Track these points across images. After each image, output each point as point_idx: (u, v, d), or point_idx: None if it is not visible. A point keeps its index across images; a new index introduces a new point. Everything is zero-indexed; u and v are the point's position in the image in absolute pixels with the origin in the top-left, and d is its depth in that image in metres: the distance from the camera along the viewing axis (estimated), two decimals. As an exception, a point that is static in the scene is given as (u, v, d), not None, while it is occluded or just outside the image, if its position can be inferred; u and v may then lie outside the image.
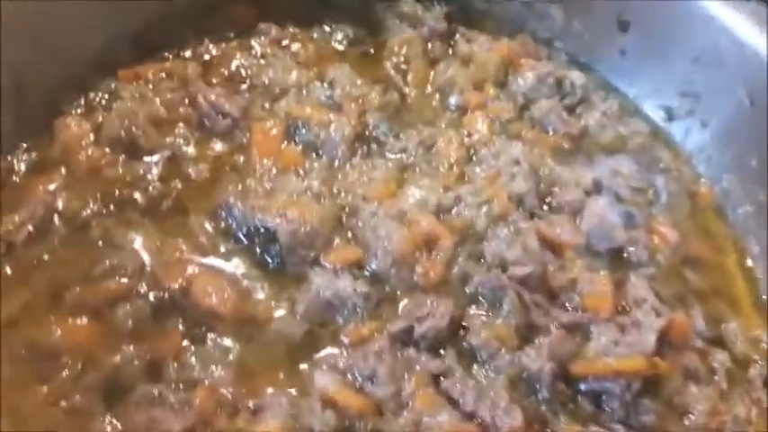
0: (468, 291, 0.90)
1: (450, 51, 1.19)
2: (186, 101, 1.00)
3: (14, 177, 0.90)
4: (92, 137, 0.93)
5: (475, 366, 0.85)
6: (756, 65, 1.04)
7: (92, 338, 0.79)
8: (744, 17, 1.06)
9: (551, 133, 1.11)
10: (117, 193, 0.91)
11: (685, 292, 1.00)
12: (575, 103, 1.16)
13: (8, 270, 0.83)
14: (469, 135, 1.07)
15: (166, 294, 0.83)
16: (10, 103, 0.91)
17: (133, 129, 0.93)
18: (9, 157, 0.91)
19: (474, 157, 1.04)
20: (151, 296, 0.83)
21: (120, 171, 0.92)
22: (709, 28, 1.10)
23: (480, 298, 0.90)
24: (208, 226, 0.91)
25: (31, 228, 0.84)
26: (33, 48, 0.93)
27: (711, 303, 1.00)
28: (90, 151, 0.91)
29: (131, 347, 0.79)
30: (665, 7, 1.13)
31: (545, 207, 1.02)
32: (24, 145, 0.93)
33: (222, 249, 0.89)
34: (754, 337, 0.98)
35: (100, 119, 0.95)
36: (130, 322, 0.81)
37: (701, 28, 1.11)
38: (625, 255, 1.00)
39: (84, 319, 0.80)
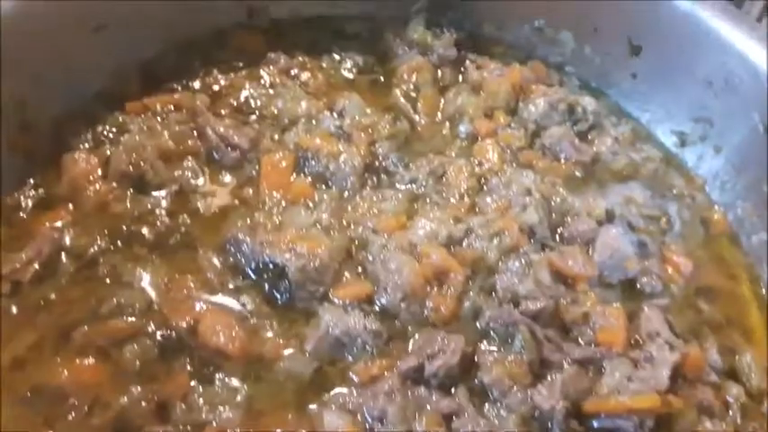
0: (479, 326, 0.89)
1: (461, 78, 1.19)
2: (195, 133, 0.99)
3: (21, 214, 0.90)
4: (99, 172, 0.92)
5: (486, 405, 0.84)
6: (771, 91, 1.03)
7: (99, 379, 0.78)
8: (757, 42, 1.05)
9: (563, 161, 1.10)
10: (125, 228, 0.90)
11: (699, 323, 0.99)
12: (587, 129, 1.15)
13: (14, 310, 0.82)
14: (480, 164, 1.06)
15: (174, 333, 0.82)
16: (17, 139, 0.90)
17: (141, 163, 0.92)
18: (15, 194, 0.90)
19: (485, 187, 1.03)
20: (158, 335, 0.82)
21: (128, 206, 0.92)
22: (722, 53, 1.08)
23: (492, 333, 0.88)
24: (216, 261, 0.90)
25: (37, 266, 0.83)
26: (38, 82, 0.92)
27: (725, 334, 0.99)
28: (98, 186, 0.90)
29: (139, 388, 0.78)
30: (678, 32, 1.12)
31: (557, 238, 1.01)
32: (31, 181, 0.92)
33: (230, 285, 0.88)
34: (769, 370, 0.97)
35: (108, 153, 0.94)
36: (138, 362, 0.80)
37: (713, 53, 1.09)
38: (638, 285, 0.99)
39: (92, 360, 0.79)
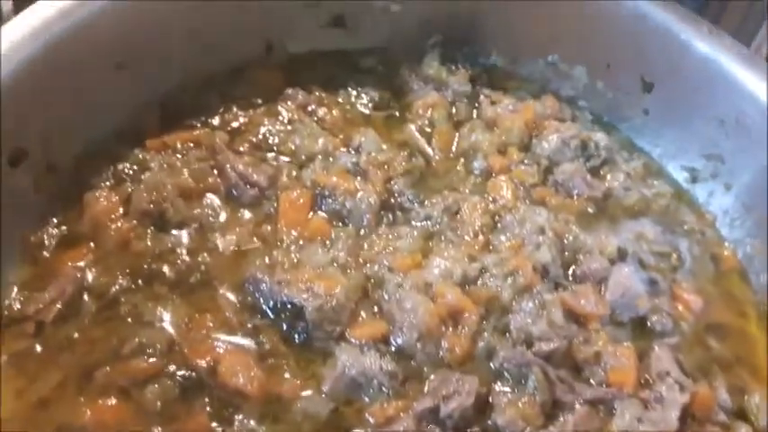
0: (493, 366, 0.90)
1: (475, 114, 1.20)
2: (214, 170, 1.00)
3: (44, 252, 0.91)
4: (121, 210, 0.93)
5: (499, 446, 0.86)
6: (782, 132, 1.05)
7: (122, 419, 0.80)
8: (769, 84, 1.07)
9: (575, 197, 1.11)
10: (145, 267, 0.91)
11: (709, 362, 1.00)
12: (599, 165, 1.16)
13: (38, 349, 0.83)
14: (494, 201, 1.08)
15: (194, 373, 0.83)
16: (42, 180, 0.92)
17: (162, 201, 0.93)
18: (39, 233, 0.91)
19: (498, 224, 1.04)
20: (179, 375, 0.83)
21: (149, 244, 0.93)
22: (733, 92, 1.10)
23: (506, 374, 0.90)
24: (235, 300, 0.91)
25: (60, 305, 0.84)
26: (63, 122, 0.94)
27: (734, 372, 1.00)
28: (119, 224, 0.92)
29: (160, 429, 0.79)
30: (690, 70, 1.13)
31: (569, 276, 1.02)
32: (54, 220, 0.93)
33: (249, 325, 0.89)
34: (777, 408, 0.98)
35: (129, 191, 0.95)
36: (159, 403, 0.81)
37: (725, 92, 1.11)
38: (648, 324, 1.00)
39: (114, 400, 0.80)
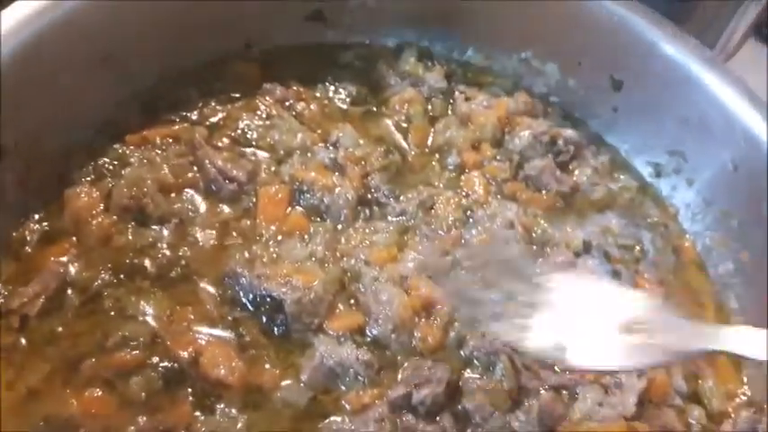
0: (463, 354, 0.95)
1: (450, 110, 1.22)
2: (194, 166, 1.02)
3: (27, 248, 0.92)
4: (102, 206, 0.94)
5: (469, 430, 0.90)
6: (740, 135, 1.09)
7: (107, 410, 0.83)
8: (732, 88, 1.11)
9: (544, 192, 1.15)
10: (127, 261, 0.93)
11: (667, 348, 1.06)
12: (567, 160, 1.20)
13: (23, 342, 0.85)
14: (467, 195, 1.11)
15: (176, 365, 0.86)
16: (24, 176, 0.92)
17: (142, 196, 0.95)
18: (21, 229, 0.92)
19: (470, 219, 1.08)
20: (162, 366, 0.86)
21: (131, 239, 0.94)
22: (698, 94, 1.14)
23: (475, 361, 0.95)
24: (215, 293, 0.94)
25: (43, 300, 0.86)
26: (42, 118, 0.94)
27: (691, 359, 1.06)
28: (100, 220, 0.93)
29: (145, 418, 0.83)
30: (657, 70, 1.17)
31: (537, 270, 1.07)
32: (35, 216, 0.94)
33: (229, 318, 0.92)
34: (729, 392, 1.04)
35: (109, 186, 0.96)
36: (143, 393, 0.84)
37: (689, 92, 1.15)
38: (611, 313, 1.06)
39: (99, 391, 0.83)
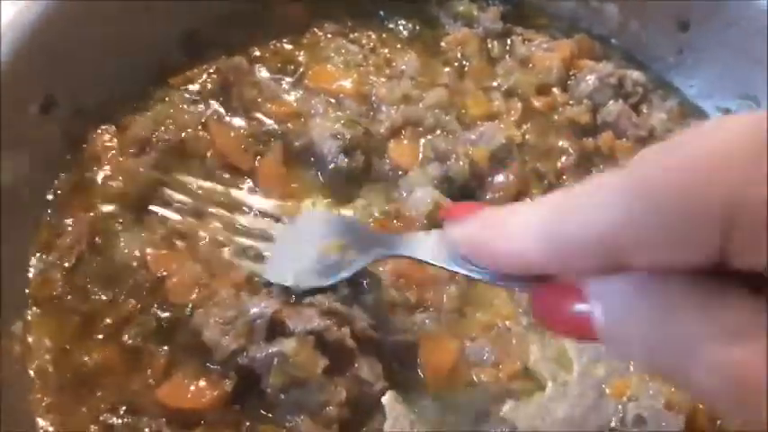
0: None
1: (507, 55, 1.12)
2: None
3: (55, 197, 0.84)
4: (131, 150, 0.88)
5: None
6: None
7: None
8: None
9: (624, 139, 1.06)
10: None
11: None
12: (636, 103, 1.10)
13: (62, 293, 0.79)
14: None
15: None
16: (68, 126, 0.86)
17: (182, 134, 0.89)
18: (56, 182, 0.85)
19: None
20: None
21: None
22: (771, 31, 1.06)
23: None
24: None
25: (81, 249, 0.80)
26: (90, 65, 0.89)
27: None
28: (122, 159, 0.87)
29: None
30: (727, 10, 1.08)
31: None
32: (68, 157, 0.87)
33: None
34: None
35: (142, 130, 0.89)
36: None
37: (762, 31, 1.07)
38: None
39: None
